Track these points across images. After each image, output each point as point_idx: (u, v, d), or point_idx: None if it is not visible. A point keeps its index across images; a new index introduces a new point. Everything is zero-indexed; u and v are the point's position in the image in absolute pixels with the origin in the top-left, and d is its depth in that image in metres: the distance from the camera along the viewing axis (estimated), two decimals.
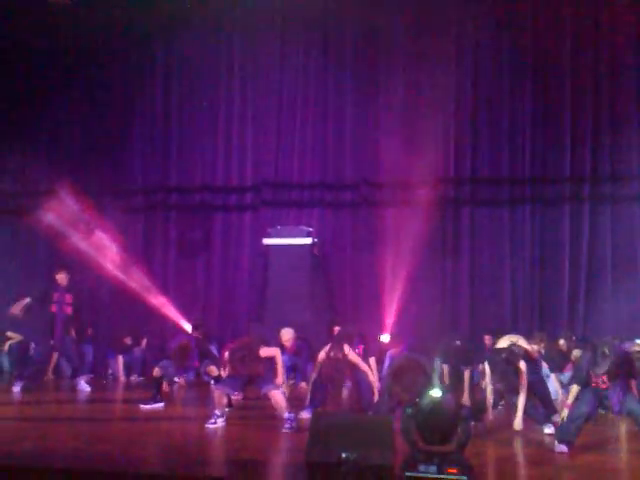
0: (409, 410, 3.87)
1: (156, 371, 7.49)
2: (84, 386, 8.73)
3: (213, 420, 6.27)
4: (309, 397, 6.86)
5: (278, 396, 6.31)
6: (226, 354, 6.65)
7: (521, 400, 6.12)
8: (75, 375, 9.14)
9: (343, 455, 4.21)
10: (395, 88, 11.08)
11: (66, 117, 11.87)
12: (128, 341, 10.22)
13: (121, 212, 11.19)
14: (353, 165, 11.31)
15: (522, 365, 6.14)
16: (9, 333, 10.58)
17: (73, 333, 8.80)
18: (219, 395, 6.38)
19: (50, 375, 10.14)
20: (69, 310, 8.67)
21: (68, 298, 8.68)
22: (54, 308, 8.62)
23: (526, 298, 10.48)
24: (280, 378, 6.48)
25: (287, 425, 6.09)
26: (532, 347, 6.77)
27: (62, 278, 8.68)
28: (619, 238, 10.29)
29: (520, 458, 5.63)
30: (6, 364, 10.58)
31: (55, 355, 9.95)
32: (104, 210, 11.04)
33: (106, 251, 10.82)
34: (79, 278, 9.40)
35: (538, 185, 10.71)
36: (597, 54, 10.56)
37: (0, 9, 10.65)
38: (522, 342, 6.46)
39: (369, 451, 4.33)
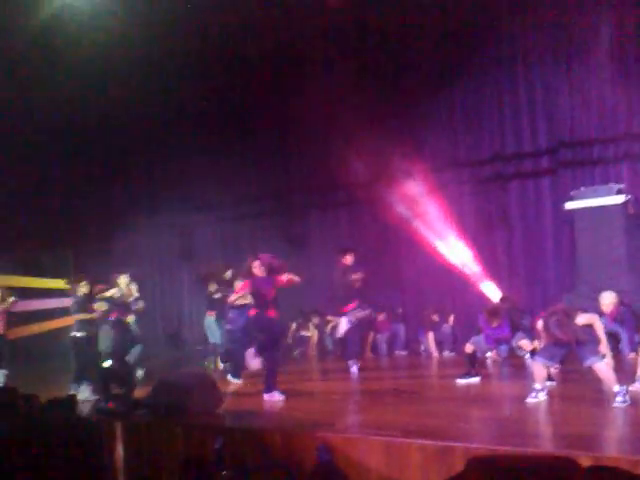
0: None
1: (468, 347, 7.46)
2: (354, 369, 8.61)
3: (534, 394, 5.99)
4: None
5: (604, 368, 5.78)
6: (539, 323, 6.30)
7: None
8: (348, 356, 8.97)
9: None
10: None
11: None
12: (436, 318, 10.38)
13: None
14: None
15: None
16: (329, 317, 11.54)
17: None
18: (538, 368, 6.08)
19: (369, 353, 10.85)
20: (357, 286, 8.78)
21: (355, 275, 8.74)
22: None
23: None
24: (603, 346, 5.93)
25: (619, 399, 5.55)
26: None
27: (348, 259, 8.84)
28: None
29: None
30: (330, 345, 11.56)
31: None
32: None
33: (435, 229, 11.13)
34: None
35: None
36: None
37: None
38: None
39: None
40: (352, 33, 11.61)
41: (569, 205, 9.69)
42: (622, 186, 9.41)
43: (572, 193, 9.76)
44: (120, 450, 5.94)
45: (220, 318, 9.71)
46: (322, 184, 12.87)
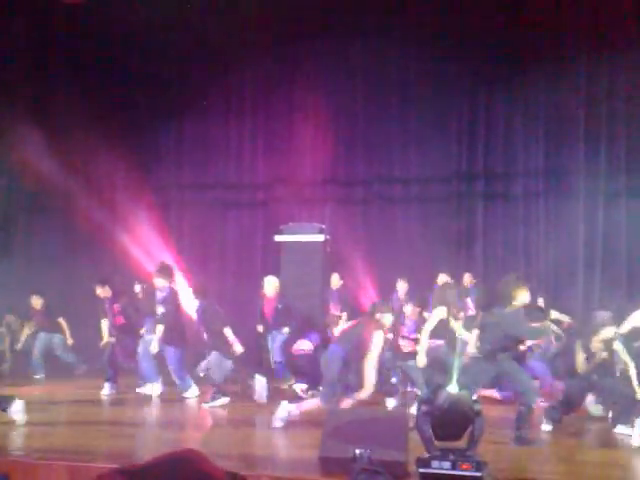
0: (424, 407, 3.83)
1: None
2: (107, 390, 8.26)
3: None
4: None
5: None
6: None
7: None
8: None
9: (357, 451, 4.19)
10: (407, 84, 11.05)
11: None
12: None
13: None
14: (364, 162, 11.33)
15: None
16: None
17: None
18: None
19: None
20: (120, 320, 8.29)
21: (116, 308, 8.31)
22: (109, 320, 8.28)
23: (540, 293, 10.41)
24: None
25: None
26: None
27: (103, 291, 8.32)
28: (635, 232, 10.13)
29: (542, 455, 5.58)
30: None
31: None
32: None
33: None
34: None
35: (552, 178, 10.64)
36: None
37: None
38: None
39: (383, 447, 4.32)
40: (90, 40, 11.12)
41: (278, 238, 10.38)
42: (323, 226, 10.39)
43: (282, 227, 10.50)
44: None
45: None
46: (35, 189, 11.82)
